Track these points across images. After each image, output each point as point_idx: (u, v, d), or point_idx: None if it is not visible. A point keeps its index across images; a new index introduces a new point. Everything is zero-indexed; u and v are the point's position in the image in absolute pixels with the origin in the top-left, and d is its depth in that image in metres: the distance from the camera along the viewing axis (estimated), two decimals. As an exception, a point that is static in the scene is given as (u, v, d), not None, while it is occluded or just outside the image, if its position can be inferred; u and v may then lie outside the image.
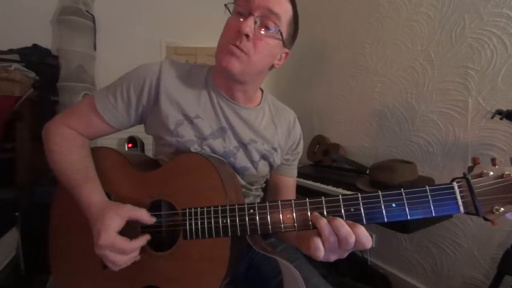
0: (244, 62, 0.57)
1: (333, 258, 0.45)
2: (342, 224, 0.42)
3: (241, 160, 0.68)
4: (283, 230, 0.48)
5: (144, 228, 0.56)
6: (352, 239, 0.42)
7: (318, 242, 0.43)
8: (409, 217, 0.43)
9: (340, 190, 1.28)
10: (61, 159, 0.60)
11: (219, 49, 0.60)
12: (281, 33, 0.59)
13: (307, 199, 0.47)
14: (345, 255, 0.45)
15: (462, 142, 1.22)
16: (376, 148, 1.63)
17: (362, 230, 0.42)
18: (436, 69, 1.33)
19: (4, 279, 1.42)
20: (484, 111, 1.15)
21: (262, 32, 0.57)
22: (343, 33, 1.89)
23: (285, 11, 0.59)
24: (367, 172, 1.47)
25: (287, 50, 0.66)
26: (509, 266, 0.89)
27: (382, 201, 0.44)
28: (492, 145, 1.12)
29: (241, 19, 0.57)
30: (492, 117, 0.93)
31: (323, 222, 0.44)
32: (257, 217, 0.49)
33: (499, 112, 0.91)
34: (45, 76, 1.98)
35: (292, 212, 0.47)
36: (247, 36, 0.55)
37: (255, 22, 0.56)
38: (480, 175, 0.43)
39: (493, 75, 1.12)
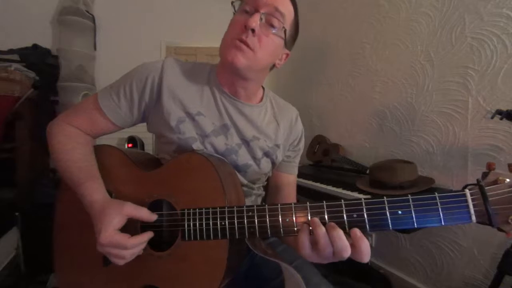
0: (249, 58, 0.58)
1: (325, 262, 0.44)
2: (340, 237, 0.41)
3: (243, 157, 0.68)
4: (282, 234, 0.46)
5: (144, 227, 0.56)
6: (347, 253, 0.41)
7: (305, 245, 0.43)
8: (416, 226, 0.40)
9: (340, 190, 1.28)
10: (65, 157, 0.60)
11: (224, 44, 0.60)
12: (285, 31, 0.60)
13: (308, 203, 0.46)
14: (337, 260, 0.44)
15: (462, 142, 1.22)
16: (376, 148, 1.63)
17: (365, 245, 0.41)
18: (436, 69, 1.33)
19: (4, 279, 1.42)
20: (484, 111, 1.15)
21: (267, 29, 0.58)
22: (343, 33, 1.89)
23: (289, 12, 0.61)
24: (367, 172, 1.47)
25: (287, 51, 0.67)
26: (509, 266, 0.89)
27: (387, 208, 0.41)
28: (492, 145, 1.12)
29: (247, 16, 0.57)
30: (492, 117, 0.93)
31: (321, 232, 0.42)
32: (256, 220, 0.48)
33: (499, 112, 0.91)
34: (45, 76, 1.98)
35: (292, 216, 0.46)
36: (253, 31, 0.56)
37: (261, 19, 0.57)
38: (495, 182, 0.39)
39: (493, 75, 1.12)
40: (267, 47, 0.59)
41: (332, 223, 0.43)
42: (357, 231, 0.42)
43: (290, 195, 0.78)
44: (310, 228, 0.44)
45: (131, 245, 0.50)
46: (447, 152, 1.28)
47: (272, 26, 0.59)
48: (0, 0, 2.06)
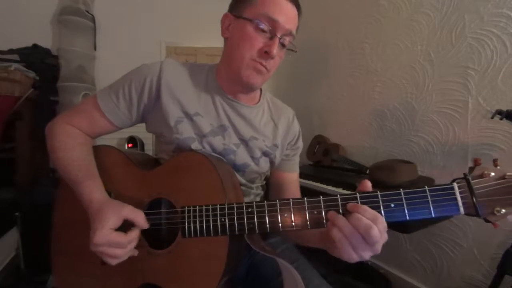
0: (265, 77, 0.64)
1: (367, 256, 0.43)
2: (359, 218, 0.41)
3: (241, 157, 0.68)
4: (281, 229, 0.48)
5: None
6: (374, 230, 0.40)
7: (349, 250, 0.42)
8: (408, 218, 0.43)
9: (340, 190, 1.28)
10: (64, 156, 0.60)
11: (243, 63, 0.61)
12: (292, 49, 0.65)
13: (305, 198, 0.47)
14: (379, 249, 0.42)
15: (462, 142, 1.22)
16: (376, 148, 1.63)
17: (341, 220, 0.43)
18: (436, 69, 1.33)
19: (4, 279, 1.42)
20: (484, 111, 1.15)
21: (281, 50, 0.63)
22: (343, 33, 1.89)
23: (296, 28, 0.64)
24: (367, 172, 1.47)
25: None
26: (509, 266, 0.89)
27: (380, 201, 0.44)
28: (492, 145, 1.12)
29: (265, 37, 0.60)
30: (492, 117, 0.93)
31: (342, 220, 0.43)
32: (255, 216, 0.49)
33: (499, 112, 0.91)
34: (45, 76, 1.98)
35: (291, 211, 0.47)
36: (273, 57, 0.60)
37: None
38: (481, 175, 0.42)
39: (493, 75, 1.12)
40: (278, 64, 0.65)
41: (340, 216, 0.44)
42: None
43: (294, 193, 0.79)
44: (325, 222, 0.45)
45: (127, 241, 0.50)
46: (447, 152, 1.28)
47: (283, 46, 0.63)
48: (0, 0, 2.06)
